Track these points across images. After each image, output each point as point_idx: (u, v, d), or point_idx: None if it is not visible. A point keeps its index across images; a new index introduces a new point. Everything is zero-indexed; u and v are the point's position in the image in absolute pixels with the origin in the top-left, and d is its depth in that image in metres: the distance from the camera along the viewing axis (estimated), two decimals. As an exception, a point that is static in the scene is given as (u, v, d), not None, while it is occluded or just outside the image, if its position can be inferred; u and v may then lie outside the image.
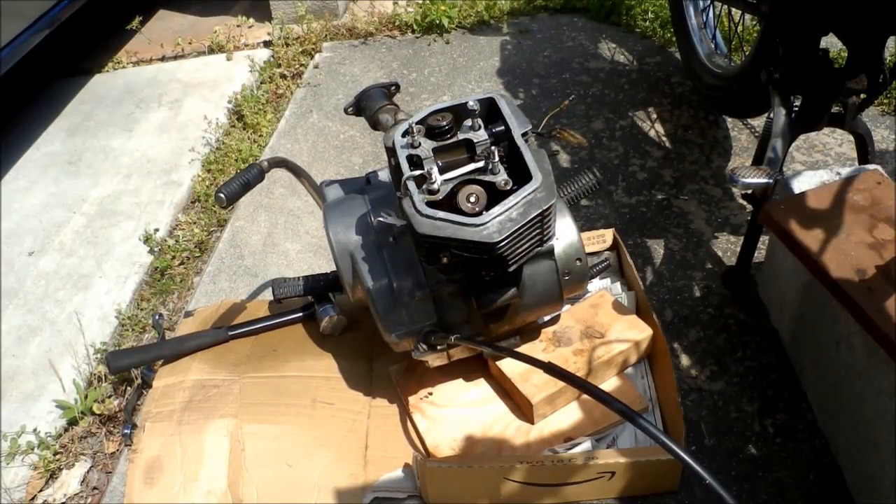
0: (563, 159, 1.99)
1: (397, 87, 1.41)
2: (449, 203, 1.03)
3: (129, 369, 1.48)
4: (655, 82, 2.22)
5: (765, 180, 1.30)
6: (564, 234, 1.20)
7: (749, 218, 1.52)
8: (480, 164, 1.05)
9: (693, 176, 1.87)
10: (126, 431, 1.36)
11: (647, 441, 1.24)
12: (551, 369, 0.97)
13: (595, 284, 1.49)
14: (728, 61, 1.97)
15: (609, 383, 1.33)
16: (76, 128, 2.44)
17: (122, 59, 2.81)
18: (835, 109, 1.45)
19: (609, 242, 1.53)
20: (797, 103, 1.47)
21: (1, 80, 2.15)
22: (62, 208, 2.10)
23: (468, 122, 1.08)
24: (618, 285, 1.50)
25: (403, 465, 1.26)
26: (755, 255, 1.50)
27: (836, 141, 1.91)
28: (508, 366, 1.29)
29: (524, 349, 1.29)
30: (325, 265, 1.71)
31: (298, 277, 1.44)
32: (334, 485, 1.24)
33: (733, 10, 1.88)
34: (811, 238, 1.19)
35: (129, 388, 1.53)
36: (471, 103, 1.08)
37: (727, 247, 1.66)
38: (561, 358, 1.30)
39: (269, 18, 2.78)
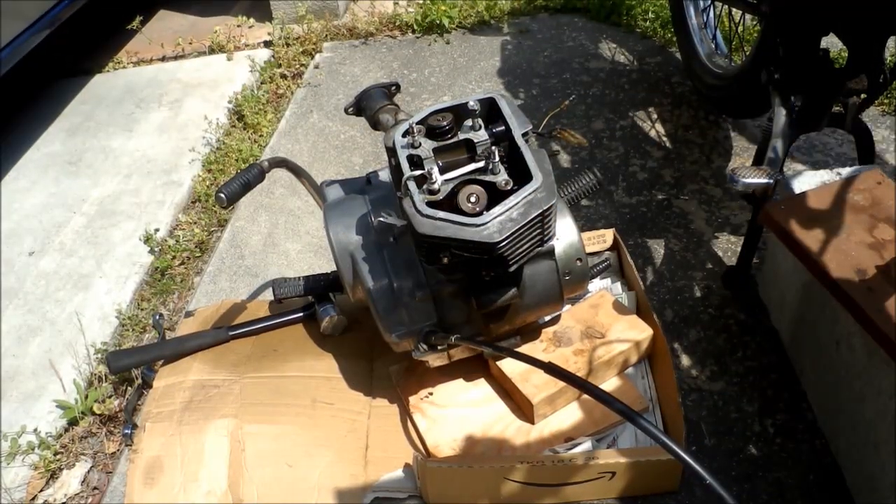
0: (564, 159, 1.99)
1: (398, 87, 1.41)
2: (449, 203, 1.03)
3: (130, 369, 1.48)
4: (656, 82, 2.22)
5: (765, 180, 1.30)
6: (565, 234, 1.20)
7: (749, 218, 1.52)
8: (481, 164, 1.05)
9: (693, 176, 1.87)
10: (126, 431, 1.36)
11: (648, 441, 1.24)
12: (552, 369, 0.97)
13: (595, 284, 1.49)
14: (728, 61, 1.97)
15: (609, 383, 1.33)
16: (76, 128, 2.45)
17: (122, 59, 2.81)
18: (835, 109, 1.45)
19: (609, 242, 1.53)
20: (798, 103, 1.47)
21: (1, 80, 2.15)
22: (62, 208, 2.10)
23: (468, 123, 1.08)
24: (618, 285, 1.50)
25: (404, 466, 1.26)
26: (755, 255, 1.50)
27: (837, 141, 1.91)
28: (509, 366, 1.29)
29: (524, 349, 1.29)
30: (326, 265, 1.71)
31: (299, 277, 1.44)
32: (334, 485, 1.24)
33: (733, 10, 1.88)
34: (811, 238, 1.19)
35: (129, 388, 1.53)
36: (471, 103, 1.08)
37: (727, 247, 1.66)
38: (561, 358, 1.30)
39: (269, 18, 2.78)
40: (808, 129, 1.48)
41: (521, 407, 1.30)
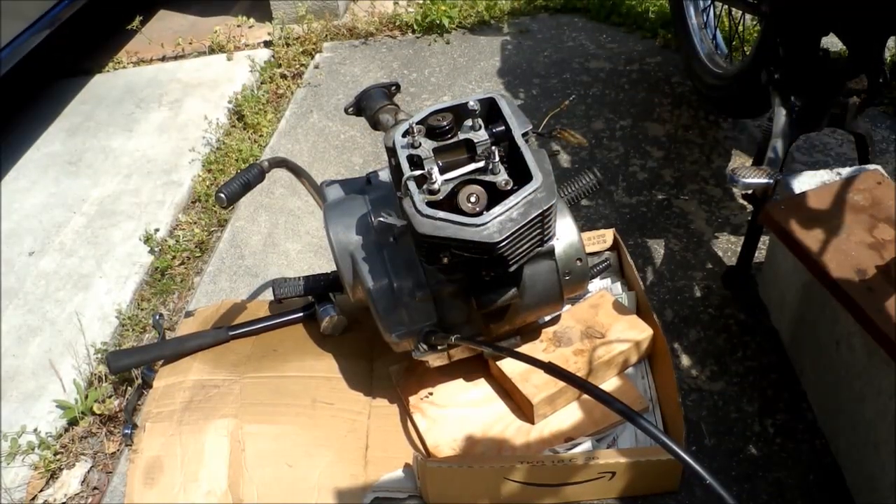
0: (564, 159, 1.99)
1: (398, 87, 1.41)
2: (449, 203, 1.03)
3: (130, 369, 1.48)
4: (656, 82, 2.22)
5: (765, 180, 1.30)
6: (565, 234, 1.20)
7: (749, 218, 1.52)
8: (481, 164, 1.05)
9: (693, 176, 1.87)
10: (126, 431, 1.36)
11: (648, 441, 1.24)
12: (552, 369, 0.97)
13: (595, 284, 1.49)
14: (728, 61, 1.97)
15: (609, 383, 1.33)
16: (76, 128, 2.45)
17: (122, 59, 2.81)
18: (835, 109, 1.45)
19: (609, 242, 1.53)
20: (798, 103, 1.47)
21: (1, 80, 2.15)
22: (62, 208, 2.10)
23: (468, 123, 1.08)
24: (618, 285, 1.50)
25: (404, 465, 1.26)
26: (755, 255, 1.50)
27: (837, 141, 1.91)
28: (509, 366, 1.29)
29: (524, 349, 1.29)
30: (326, 265, 1.71)
31: (299, 277, 1.44)
32: (334, 485, 1.24)
33: (733, 10, 1.88)
34: (811, 238, 1.19)
35: (129, 388, 1.53)
36: (471, 103, 1.08)
37: (727, 247, 1.66)
38: (561, 358, 1.30)
39: (269, 18, 2.78)
40: (808, 129, 1.48)
41: (521, 407, 1.30)
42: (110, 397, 1.52)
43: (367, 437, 1.31)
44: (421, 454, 1.24)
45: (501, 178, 1.02)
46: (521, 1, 2.70)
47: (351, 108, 1.40)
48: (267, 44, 2.72)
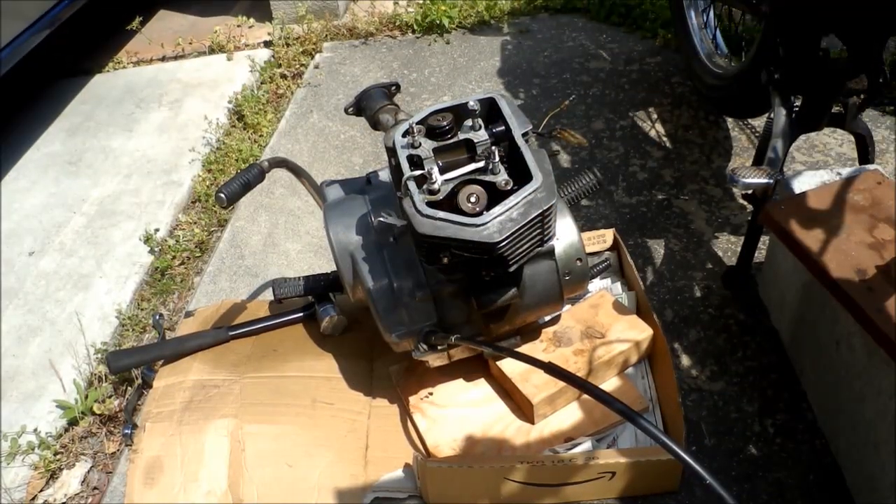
0: (564, 159, 1.99)
1: (398, 87, 1.41)
2: (449, 203, 1.03)
3: (130, 369, 1.48)
4: (656, 82, 2.22)
5: (765, 180, 1.30)
6: (565, 234, 1.20)
7: (749, 218, 1.52)
8: (481, 164, 1.05)
9: (693, 176, 1.87)
10: (126, 431, 1.36)
11: (648, 441, 1.24)
12: (552, 369, 0.97)
13: (595, 284, 1.49)
14: (728, 61, 1.97)
15: (609, 383, 1.33)
16: (76, 128, 2.45)
17: (122, 60, 2.81)
18: (835, 109, 1.45)
19: (609, 242, 1.53)
20: (798, 103, 1.47)
21: (1, 80, 2.15)
22: (62, 208, 2.10)
23: (468, 123, 1.08)
24: (618, 285, 1.50)
25: (404, 465, 1.26)
26: (755, 255, 1.50)
27: (837, 141, 1.91)
28: (509, 366, 1.29)
29: (524, 349, 1.29)
30: (326, 265, 1.71)
31: (299, 277, 1.44)
32: (334, 485, 1.24)
33: (733, 10, 1.88)
34: (811, 238, 1.19)
35: (129, 388, 1.53)
36: (471, 103, 1.08)
37: (727, 247, 1.66)
38: (561, 358, 1.30)
39: (269, 18, 2.78)
40: (808, 129, 1.48)
41: (521, 407, 1.30)
42: (110, 397, 1.52)
43: (367, 437, 1.31)
44: (421, 454, 1.24)
45: (501, 178, 1.02)
46: (521, 1, 2.70)
47: (351, 108, 1.40)
48: (267, 44, 2.72)
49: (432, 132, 1.08)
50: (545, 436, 1.26)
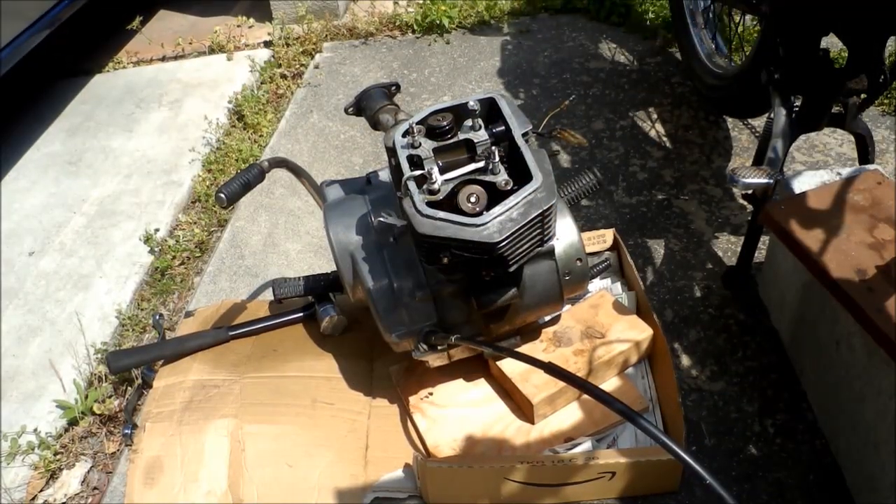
0: (564, 159, 1.99)
1: (398, 87, 1.41)
2: (449, 203, 1.03)
3: (130, 369, 1.48)
4: (656, 82, 2.22)
5: (765, 180, 1.30)
6: (565, 234, 1.20)
7: (749, 218, 1.52)
8: (481, 164, 1.05)
9: (693, 176, 1.87)
10: (126, 431, 1.36)
11: (648, 441, 1.24)
12: (552, 369, 0.97)
13: (595, 284, 1.49)
14: (728, 61, 1.97)
15: (609, 383, 1.33)
16: (76, 128, 2.45)
17: (122, 60, 2.81)
18: (835, 109, 1.45)
19: (609, 242, 1.53)
20: (798, 103, 1.47)
21: (1, 80, 2.15)
22: (62, 208, 2.10)
23: (468, 123, 1.08)
24: (618, 285, 1.50)
25: (404, 466, 1.26)
26: (755, 255, 1.50)
27: (837, 141, 1.91)
28: (509, 366, 1.29)
29: (524, 349, 1.29)
30: (326, 265, 1.71)
31: (299, 277, 1.44)
32: (335, 485, 1.24)
33: (733, 10, 1.88)
34: (811, 238, 1.19)
35: (129, 388, 1.53)
36: (471, 103, 1.08)
37: (727, 247, 1.66)
38: (561, 358, 1.30)
39: (269, 18, 2.78)
40: (808, 129, 1.48)
41: (521, 407, 1.30)
42: (110, 397, 1.52)
43: (367, 437, 1.31)
44: (421, 454, 1.24)
45: (501, 178, 1.02)
46: (521, 1, 2.70)
47: (351, 108, 1.40)
48: (267, 44, 2.72)
49: (432, 132, 1.08)
50: (545, 436, 1.26)
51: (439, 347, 1.18)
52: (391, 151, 1.10)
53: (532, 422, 1.28)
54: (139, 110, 2.48)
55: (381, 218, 1.11)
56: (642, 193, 1.83)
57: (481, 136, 1.07)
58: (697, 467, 0.74)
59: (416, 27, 2.65)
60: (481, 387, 1.35)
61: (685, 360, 1.43)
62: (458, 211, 1.01)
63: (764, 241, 1.56)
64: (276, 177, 2.00)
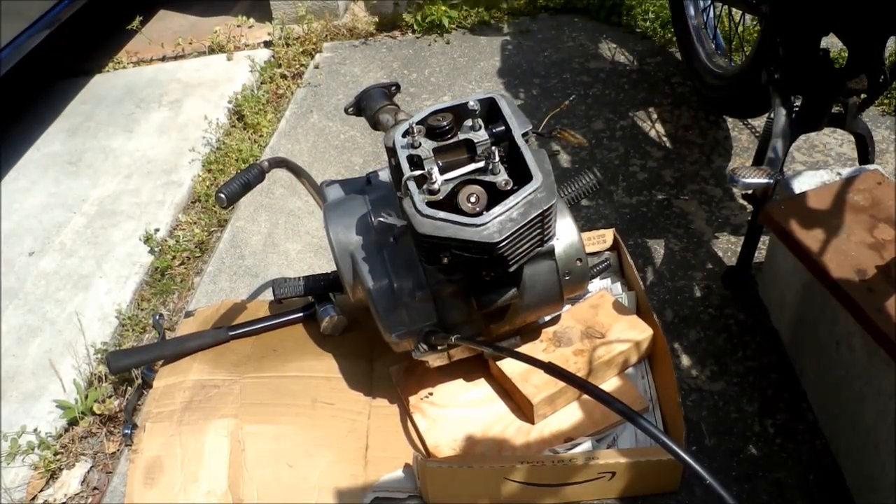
0: (564, 159, 1.99)
1: (398, 87, 1.41)
2: (449, 203, 1.03)
3: (130, 369, 1.48)
4: (656, 82, 2.22)
5: (765, 180, 1.30)
6: (565, 234, 1.20)
7: (749, 218, 1.52)
8: (481, 164, 1.05)
9: (693, 176, 1.87)
10: (126, 431, 1.36)
11: (648, 441, 1.24)
12: (552, 369, 0.97)
13: (595, 284, 1.49)
14: (728, 61, 1.97)
15: (609, 383, 1.33)
16: (76, 128, 2.45)
17: (122, 60, 2.81)
18: (835, 109, 1.45)
19: (609, 242, 1.53)
20: (798, 103, 1.47)
21: (1, 80, 2.15)
22: (62, 208, 2.10)
23: (468, 123, 1.08)
24: (618, 285, 1.50)
25: (404, 466, 1.26)
26: (755, 255, 1.50)
27: (837, 141, 1.91)
28: (509, 366, 1.29)
29: (524, 349, 1.29)
30: (326, 265, 1.71)
31: (299, 277, 1.44)
32: (335, 485, 1.24)
33: (733, 10, 1.88)
34: (811, 238, 1.19)
35: (129, 388, 1.53)
36: (471, 103, 1.08)
37: (727, 247, 1.66)
38: (561, 358, 1.30)
39: (269, 18, 2.78)
40: (808, 129, 1.48)
41: (521, 407, 1.30)
42: (110, 397, 1.52)
43: (367, 437, 1.31)
44: (421, 454, 1.24)
45: (501, 178, 1.02)
46: (522, 1, 2.70)
47: (351, 108, 1.40)
48: (267, 44, 2.72)
49: (432, 132, 1.08)
50: (545, 436, 1.26)
51: (439, 347, 1.18)
52: (391, 151, 1.10)
53: (532, 422, 1.28)
54: (139, 110, 2.48)
55: (381, 218, 1.11)
56: (642, 193, 1.83)
57: (481, 136, 1.07)
58: (697, 467, 0.74)
59: (416, 27, 2.65)
60: (481, 387, 1.35)
61: (685, 360, 1.43)
62: (458, 211, 1.01)
63: (764, 241, 1.56)
64: (276, 177, 2.00)
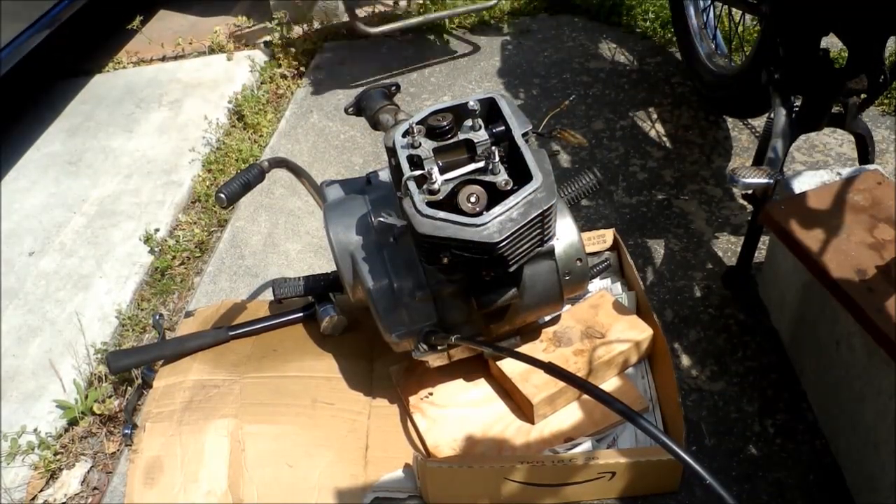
0: (564, 159, 1.99)
1: (398, 87, 1.42)
2: (449, 203, 1.03)
3: (130, 369, 1.48)
4: (656, 82, 2.22)
5: (765, 180, 1.30)
6: (565, 234, 1.20)
7: (749, 218, 1.52)
8: (481, 164, 1.05)
9: (693, 176, 1.87)
10: (126, 431, 1.36)
11: (648, 441, 1.24)
12: (552, 369, 0.97)
13: (595, 284, 1.49)
14: (728, 61, 1.97)
15: (609, 383, 1.33)
16: (76, 128, 2.45)
17: (122, 60, 2.81)
18: (835, 109, 1.45)
19: (609, 242, 1.53)
20: (798, 103, 1.47)
21: (1, 80, 2.15)
22: (62, 208, 2.10)
23: (468, 123, 1.08)
24: (618, 285, 1.50)
25: (404, 466, 1.26)
26: (755, 255, 1.50)
27: (837, 141, 1.91)
28: (509, 366, 1.29)
29: (524, 349, 1.29)
30: (326, 265, 1.71)
31: (299, 277, 1.44)
32: (335, 485, 1.24)
33: (733, 10, 1.88)
34: (811, 238, 1.19)
35: (129, 388, 1.53)
36: (471, 103, 1.08)
37: (727, 247, 1.66)
38: (561, 358, 1.30)
39: (269, 18, 2.78)
40: (808, 129, 1.48)
41: (521, 407, 1.30)
42: (110, 397, 1.52)
43: (367, 437, 1.31)
44: (421, 454, 1.24)
45: (501, 178, 1.02)
46: (522, 1, 2.69)
47: (351, 109, 1.40)
48: (267, 44, 2.72)
49: (432, 132, 1.08)
50: (545, 436, 1.26)
51: (439, 347, 1.18)
52: (391, 151, 1.10)
53: (532, 422, 1.28)
54: (139, 110, 2.48)
55: (381, 218, 1.11)
56: (642, 193, 1.83)
57: (481, 136, 1.07)
58: (697, 467, 0.74)
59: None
60: (481, 387, 1.35)
61: (685, 360, 1.43)
62: (458, 211, 1.01)
63: (764, 241, 1.56)
64: (276, 177, 2.00)
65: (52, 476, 1.41)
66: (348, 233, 1.20)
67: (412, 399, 1.34)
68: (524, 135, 1.07)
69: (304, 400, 1.35)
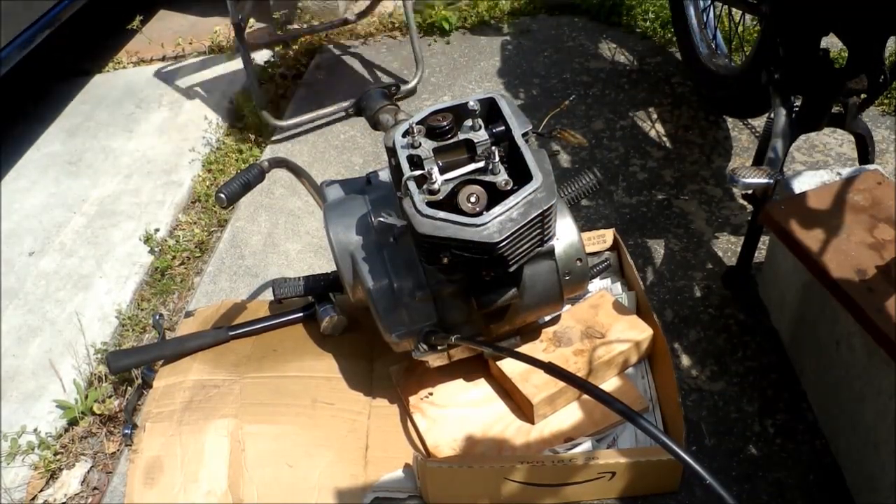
0: (564, 159, 1.99)
1: (398, 87, 1.42)
2: (449, 203, 1.03)
3: (130, 369, 1.48)
4: (656, 82, 2.22)
5: (765, 180, 1.30)
6: (565, 234, 1.20)
7: (749, 218, 1.52)
8: (481, 164, 1.05)
9: (693, 176, 1.87)
10: (126, 431, 1.36)
11: (648, 441, 1.24)
12: (552, 369, 0.97)
13: (595, 284, 1.49)
14: (728, 61, 1.97)
15: (609, 383, 1.33)
16: (76, 128, 2.45)
17: (122, 60, 2.81)
18: (835, 109, 1.45)
19: (609, 242, 1.53)
20: (798, 103, 1.47)
21: (1, 80, 2.15)
22: (62, 208, 2.10)
23: (468, 123, 1.08)
24: (618, 285, 1.50)
25: (404, 466, 1.26)
26: (755, 255, 1.50)
27: (837, 141, 1.91)
28: (509, 366, 1.29)
29: (524, 349, 1.29)
30: (326, 265, 1.71)
31: (299, 277, 1.44)
32: (335, 485, 1.24)
33: (733, 10, 1.88)
34: (811, 238, 1.19)
35: (129, 388, 1.53)
36: (471, 103, 1.08)
37: (727, 247, 1.66)
38: (561, 358, 1.30)
39: (269, 18, 2.78)
40: (808, 129, 1.48)
41: (521, 407, 1.30)
42: (110, 397, 1.52)
43: (367, 437, 1.31)
44: (421, 454, 1.24)
45: (501, 178, 1.02)
46: (522, 1, 2.69)
47: (351, 109, 1.40)
48: (267, 44, 2.72)
49: (432, 132, 1.08)
50: (545, 436, 1.26)
51: (439, 347, 1.18)
52: (391, 151, 1.10)
53: (532, 422, 1.28)
54: (139, 110, 2.48)
55: (381, 218, 1.11)
56: (642, 193, 1.83)
57: (481, 136, 1.07)
58: (697, 467, 0.74)
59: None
60: (481, 387, 1.35)
61: (685, 360, 1.43)
62: (458, 211, 1.01)
63: (764, 241, 1.56)
64: (276, 177, 2.00)
65: (52, 476, 1.41)
66: (348, 233, 1.20)
67: (412, 399, 1.34)
68: (524, 135, 1.07)
69: (304, 400, 1.35)
